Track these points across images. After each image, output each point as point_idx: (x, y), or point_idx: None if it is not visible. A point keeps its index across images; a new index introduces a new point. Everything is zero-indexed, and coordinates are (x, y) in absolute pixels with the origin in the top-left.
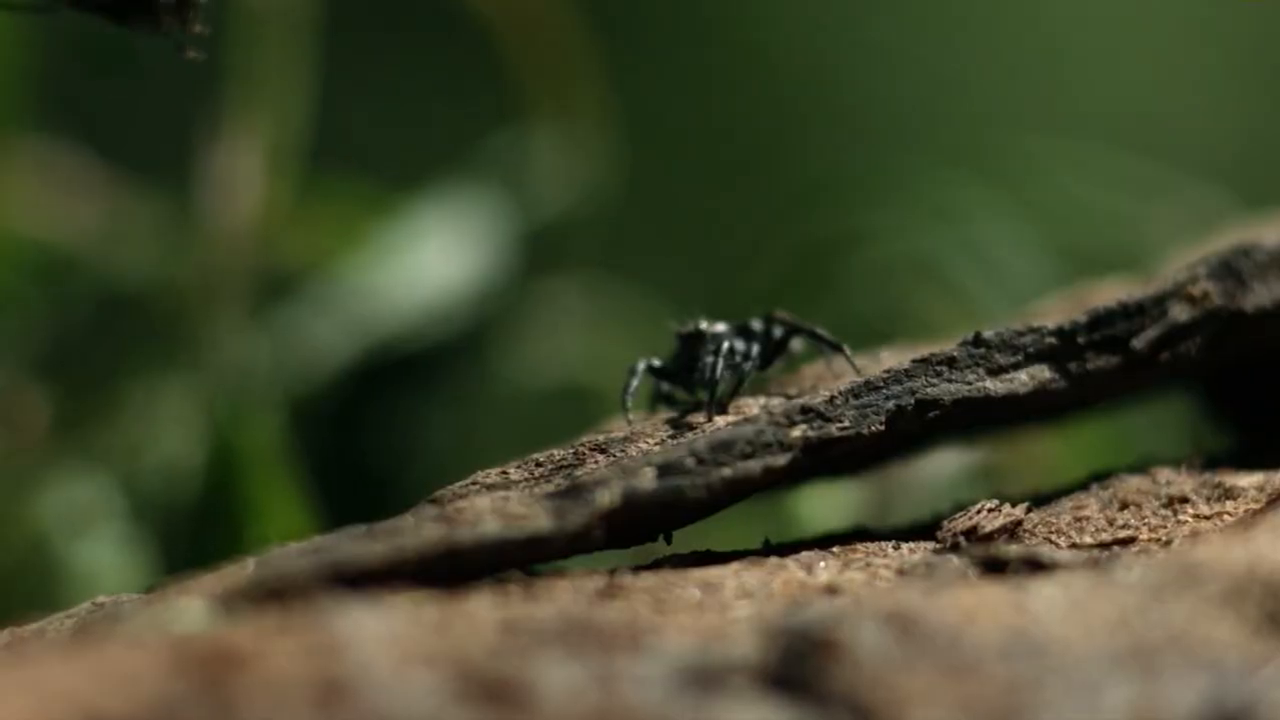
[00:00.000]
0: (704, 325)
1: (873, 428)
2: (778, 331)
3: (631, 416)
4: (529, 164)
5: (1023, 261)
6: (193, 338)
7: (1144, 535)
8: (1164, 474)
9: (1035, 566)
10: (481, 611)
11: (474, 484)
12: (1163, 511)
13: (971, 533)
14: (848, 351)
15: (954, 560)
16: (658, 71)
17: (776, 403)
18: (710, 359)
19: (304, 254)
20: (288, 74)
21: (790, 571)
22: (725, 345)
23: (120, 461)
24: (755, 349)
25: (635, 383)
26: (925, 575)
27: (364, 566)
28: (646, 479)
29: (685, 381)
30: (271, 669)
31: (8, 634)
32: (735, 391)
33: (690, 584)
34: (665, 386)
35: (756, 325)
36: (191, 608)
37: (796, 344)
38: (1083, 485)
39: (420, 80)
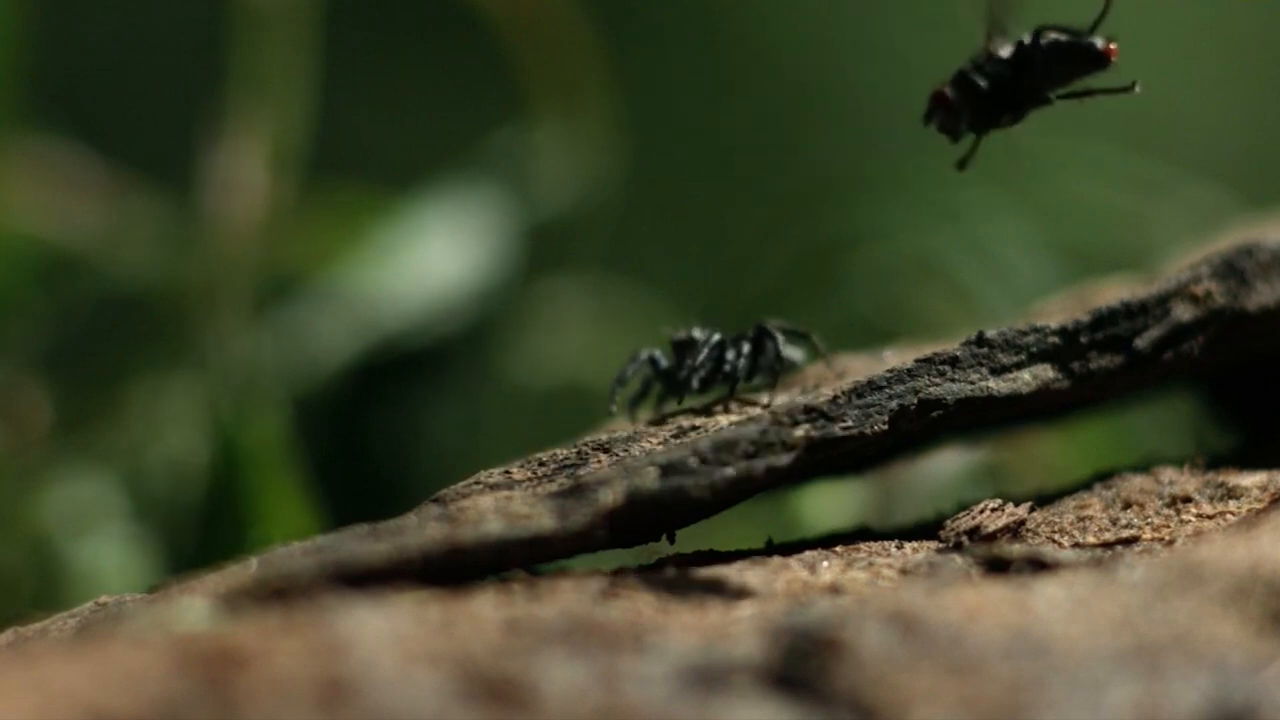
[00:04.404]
0: (697, 333)
1: (876, 427)
2: (768, 340)
3: (616, 404)
4: (532, 162)
5: (1026, 261)
6: (196, 337)
7: (1147, 535)
8: (1167, 473)
9: (1038, 566)
10: (485, 611)
11: (477, 483)
12: (1166, 511)
13: (974, 532)
14: (815, 339)
15: (957, 560)
16: (661, 69)
17: (780, 402)
18: (697, 364)
19: (307, 253)
20: (290, 72)
21: (793, 571)
22: (715, 352)
23: (123, 461)
24: (743, 359)
25: (631, 370)
26: (928, 575)
27: (367, 566)
28: (650, 478)
29: (676, 387)
30: (275, 668)
31: (11, 633)
32: (729, 396)
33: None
34: (657, 385)
35: (749, 334)
36: (195, 607)
37: (796, 352)
38: (1086, 485)
39: (423, 78)
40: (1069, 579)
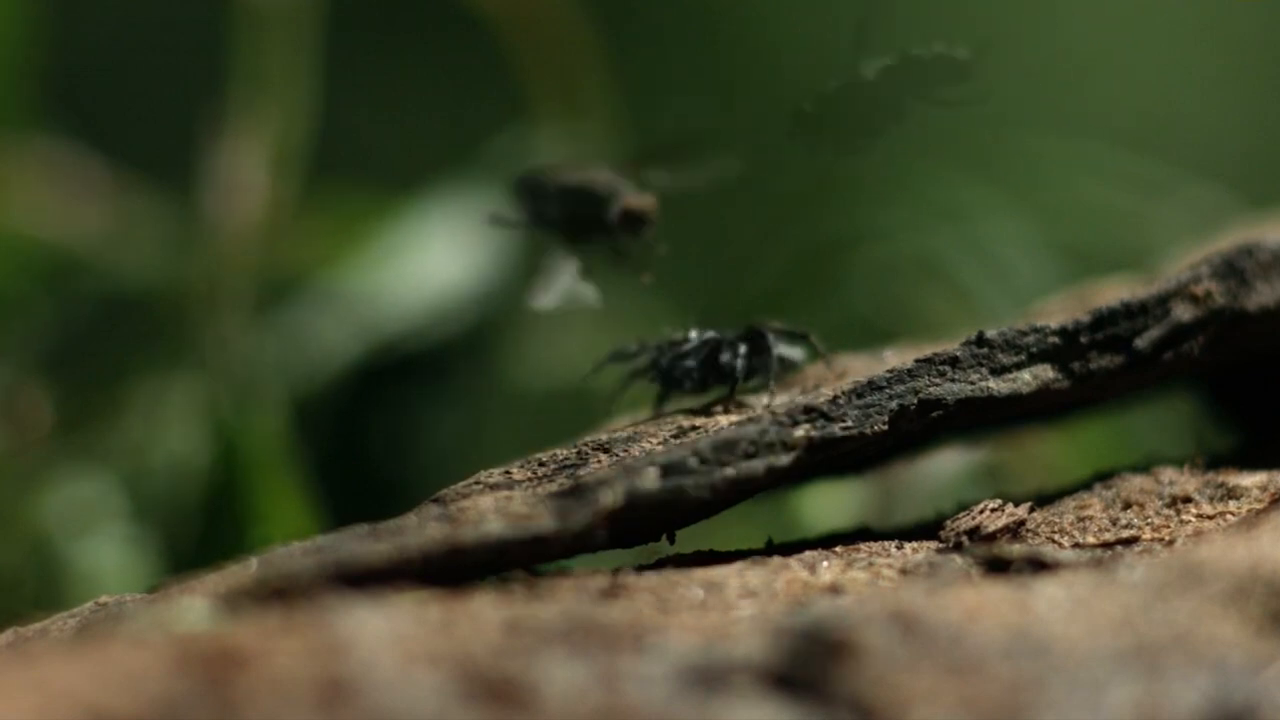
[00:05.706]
0: (695, 334)
1: (876, 427)
2: (767, 340)
3: (600, 370)
4: (533, 163)
5: (1026, 261)
6: (197, 338)
7: (1147, 535)
8: (1167, 473)
9: (1038, 566)
10: (485, 611)
11: (477, 483)
12: (1166, 511)
13: (975, 532)
14: (815, 340)
15: (957, 560)
16: (662, 70)
17: (779, 402)
18: (696, 364)
19: (308, 254)
20: (292, 74)
21: (793, 571)
22: (714, 351)
23: (124, 461)
24: (741, 359)
25: (633, 349)
26: (928, 575)
27: (367, 566)
28: (649, 479)
29: (673, 385)
30: (275, 668)
31: (11, 633)
32: (729, 396)
33: (693, 583)
34: (650, 378)
35: (748, 334)
36: (195, 607)
37: (796, 352)
38: (1086, 485)
39: (424, 80)
40: (1069, 579)
